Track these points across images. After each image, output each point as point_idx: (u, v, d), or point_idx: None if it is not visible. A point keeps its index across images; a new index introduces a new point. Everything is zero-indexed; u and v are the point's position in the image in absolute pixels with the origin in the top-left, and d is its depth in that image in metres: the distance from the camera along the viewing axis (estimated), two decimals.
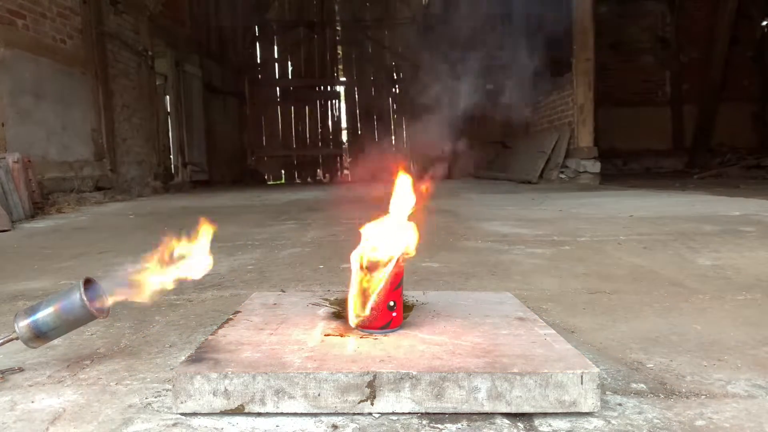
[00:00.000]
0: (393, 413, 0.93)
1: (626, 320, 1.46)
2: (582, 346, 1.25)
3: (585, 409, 0.92)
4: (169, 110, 10.11)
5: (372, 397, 0.93)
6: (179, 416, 0.93)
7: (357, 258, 1.16)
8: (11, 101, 5.49)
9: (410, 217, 1.22)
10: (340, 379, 0.93)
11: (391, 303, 1.13)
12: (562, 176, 8.38)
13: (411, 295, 1.43)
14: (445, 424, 0.90)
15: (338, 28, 14.71)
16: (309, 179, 14.49)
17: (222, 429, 0.89)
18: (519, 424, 0.90)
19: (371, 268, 1.14)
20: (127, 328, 1.49)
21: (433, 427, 0.89)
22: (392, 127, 14.51)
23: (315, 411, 0.93)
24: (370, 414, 0.93)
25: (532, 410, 0.92)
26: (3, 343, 1.16)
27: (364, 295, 1.14)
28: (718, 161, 11.02)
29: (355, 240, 1.21)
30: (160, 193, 8.59)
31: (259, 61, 14.44)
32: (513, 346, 1.05)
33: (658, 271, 2.07)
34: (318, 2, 14.34)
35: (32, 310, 1.14)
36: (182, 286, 1.94)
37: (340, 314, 1.26)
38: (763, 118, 12.30)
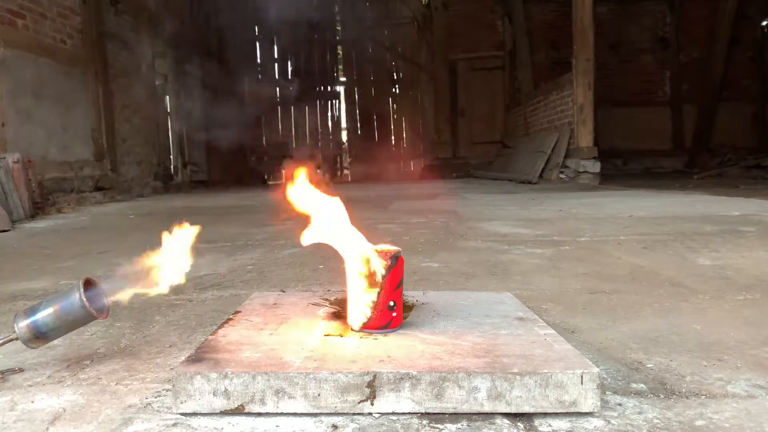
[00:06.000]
0: (393, 413, 0.93)
1: (626, 320, 1.46)
2: (582, 346, 1.25)
3: (585, 409, 0.92)
4: (169, 110, 10.11)
5: (372, 397, 0.93)
6: (179, 416, 0.93)
7: (356, 258, 1.16)
8: (11, 101, 5.49)
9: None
10: (340, 379, 0.93)
11: (391, 303, 1.13)
12: (562, 176, 8.38)
13: (411, 295, 1.43)
14: (445, 424, 0.90)
15: (338, 28, 14.71)
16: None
17: (222, 429, 0.89)
18: (519, 424, 0.90)
19: (371, 267, 1.14)
20: (127, 328, 1.49)
21: (433, 427, 0.89)
22: (392, 127, 14.50)
23: (315, 411, 0.93)
24: (370, 414, 0.93)
25: (532, 410, 0.92)
26: (3, 344, 1.16)
27: (364, 295, 1.14)
28: (718, 161, 11.02)
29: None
30: (160, 193, 8.60)
31: (259, 61, 14.44)
32: (513, 346, 1.05)
33: (658, 271, 2.07)
34: (318, 2, 14.33)
35: (32, 311, 1.14)
36: (182, 285, 1.95)
37: (340, 314, 1.26)
38: (763, 118, 12.30)
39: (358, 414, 0.93)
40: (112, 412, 0.96)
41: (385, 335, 1.12)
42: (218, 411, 0.93)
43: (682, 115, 12.38)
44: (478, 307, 1.32)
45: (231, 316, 1.28)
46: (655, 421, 0.90)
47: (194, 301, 1.77)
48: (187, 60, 10.44)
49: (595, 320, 1.47)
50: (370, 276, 1.13)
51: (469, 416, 0.92)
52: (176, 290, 1.88)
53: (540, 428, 0.89)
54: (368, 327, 1.13)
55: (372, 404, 0.93)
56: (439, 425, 0.90)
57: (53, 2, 6.29)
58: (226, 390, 0.93)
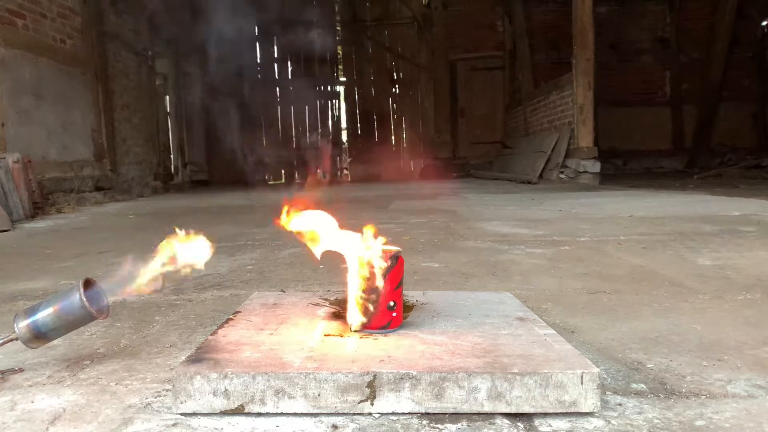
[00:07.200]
0: (393, 413, 0.93)
1: (626, 320, 1.46)
2: (582, 346, 1.25)
3: (585, 409, 0.92)
4: (169, 110, 10.12)
5: (372, 397, 0.93)
6: (179, 416, 0.93)
7: (355, 258, 1.16)
8: (11, 101, 5.49)
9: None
10: (340, 379, 0.93)
11: (391, 303, 1.13)
12: (562, 176, 8.38)
13: (411, 295, 1.43)
14: (445, 424, 0.90)
15: (338, 28, 14.70)
16: (309, 179, 14.46)
17: (222, 429, 0.89)
18: (519, 424, 0.90)
19: (370, 267, 1.14)
20: (127, 328, 1.49)
21: (433, 427, 0.89)
22: (392, 127, 14.50)
23: (315, 411, 0.93)
24: (370, 414, 0.93)
25: (532, 410, 0.92)
26: (3, 344, 1.16)
27: (364, 295, 1.14)
28: (718, 161, 11.02)
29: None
30: (160, 193, 8.59)
31: (259, 61, 14.44)
32: (513, 346, 1.05)
33: (658, 271, 2.07)
34: (318, 2, 14.33)
35: (32, 311, 1.14)
36: (182, 286, 1.95)
37: (340, 314, 1.26)
38: (763, 118, 12.30)
39: (358, 414, 0.93)
40: (112, 412, 0.96)
41: (385, 335, 1.12)
42: (218, 411, 0.93)
43: (682, 115, 12.38)
44: (478, 308, 1.32)
45: (231, 316, 1.28)
46: (655, 421, 0.90)
47: (194, 301, 1.76)
48: (187, 60, 10.44)
49: (595, 320, 1.47)
50: (370, 278, 1.13)
51: (469, 416, 0.92)
52: (176, 290, 1.88)
53: (540, 428, 0.89)
54: (368, 327, 1.13)
55: (372, 404, 0.93)
56: (439, 425, 0.90)
57: (53, 2, 6.29)
58: (226, 390, 0.93)
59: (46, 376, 1.14)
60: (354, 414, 0.93)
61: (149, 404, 0.99)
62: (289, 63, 14.59)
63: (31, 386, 1.09)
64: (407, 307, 1.30)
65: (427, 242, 2.87)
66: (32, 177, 5.02)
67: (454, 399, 0.92)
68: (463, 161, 13.08)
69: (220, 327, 1.19)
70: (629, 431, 0.87)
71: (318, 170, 14.63)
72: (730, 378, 1.07)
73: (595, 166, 8.10)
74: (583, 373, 0.92)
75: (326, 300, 1.40)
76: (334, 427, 0.90)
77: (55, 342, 1.26)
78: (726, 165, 10.43)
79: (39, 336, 1.14)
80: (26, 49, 5.76)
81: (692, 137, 12.28)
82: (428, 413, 0.93)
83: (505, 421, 0.91)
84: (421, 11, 13.55)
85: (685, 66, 12.37)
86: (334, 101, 14.71)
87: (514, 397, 0.92)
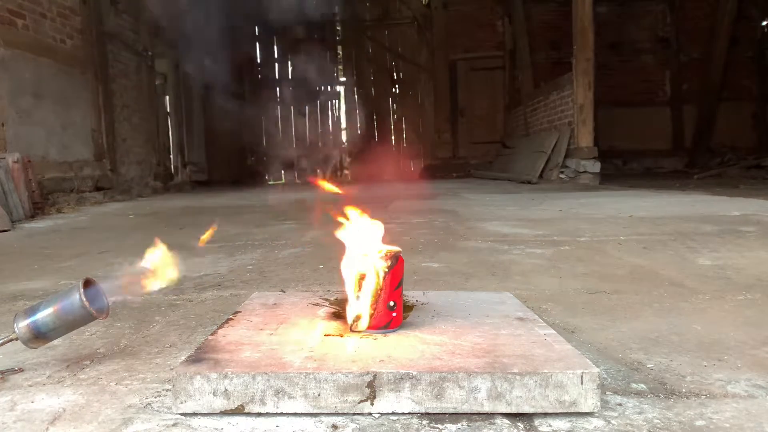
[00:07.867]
0: (393, 413, 0.93)
1: (626, 320, 1.46)
2: (582, 346, 1.25)
3: (585, 409, 0.92)
4: (169, 110, 10.12)
5: (372, 397, 0.93)
6: (179, 416, 0.93)
7: (355, 258, 1.16)
8: (11, 101, 5.49)
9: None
10: (340, 379, 0.93)
11: (391, 303, 1.13)
12: (562, 176, 8.38)
13: (411, 295, 1.43)
14: (445, 424, 0.90)
15: (338, 28, 14.71)
16: (309, 179, 14.47)
17: (222, 429, 0.89)
18: (519, 424, 0.90)
19: (370, 268, 1.14)
20: (127, 328, 1.49)
21: (433, 427, 0.89)
22: (392, 127, 14.51)
23: (315, 411, 0.93)
24: (370, 414, 0.93)
25: (532, 410, 0.92)
26: (3, 344, 1.16)
27: (363, 295, 1.14)
28: (718, 161, 11.02)
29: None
30: (160, 193, 8.59)
31: (259, 61, 14.44)
32: (513, 346, 1.05)
33: (658, 271, 2.07)
34: (318, 2, 14.33)
35: (32, 311, 1.14)
36: (182, 286, 1.95)
37: (340, 314, 1.26)
38: (763, 118, 12.29)
39: (358, 414, 0.93)
40: (112, 412, 0.96)
41: (385, 335, 1.12)
42: (218, 411, 0.93)
43: (682, 115, 12.37)
44: (478, 307, 1.32)
45: (231, 316, 1.28)
46: (655, 421, 0.90)
47: (194, 301, 1.76)
48: (187, 60, 10.43)
49: (595, 320, 1.47)
50: (369, 275, 1.13)
51: (469, 416, 0.92)
52: (176, 290, 1.88)
53: (540, 428, 0.89)
54: (368, 327, 1.13)
55: (372, 404, 0.93)
56: (439, 425, 0.90)
57: (53, 2, 6.29)
58: (226, 390, 0.93)
59: (46, 376, 1.14)
60: (354, 414, 0.93)
61: (149, 404, 0.99)
62: (289, 63, 14.60)
63: (31, 386, 1.09)
64: (407, 307, 1.30)
65: (427, 242, 2.87)
66: (32, 177, 5.01)
67: (454, 399, 0.92)
68: (463, 161, 13.08)
69: (220, 327, 1.19)
70: (629, 431, 0.87)
71: (318, 171, 14.63)
72: (730, 378, 1.07)
73: (595, 166, 8.09)
74: (583, 373, 0.92)
75: (326, 300, 1.40)
76: (334, 427, 0.90)
77: (55, 342, 1.26)
78: (726, 165, 10.43)
79: (39, 336, 1.14)
80: (26, 49, 5.76)
81: (692, 137, 12.28)
82: (428, 413, 0.93)
83: (505, 421, 0.91)
84: (421, 11, 13.56)
85: (685, 66, 12.36)
86: (334, 101, 14.72)
87: (514, 397, 0.92)
